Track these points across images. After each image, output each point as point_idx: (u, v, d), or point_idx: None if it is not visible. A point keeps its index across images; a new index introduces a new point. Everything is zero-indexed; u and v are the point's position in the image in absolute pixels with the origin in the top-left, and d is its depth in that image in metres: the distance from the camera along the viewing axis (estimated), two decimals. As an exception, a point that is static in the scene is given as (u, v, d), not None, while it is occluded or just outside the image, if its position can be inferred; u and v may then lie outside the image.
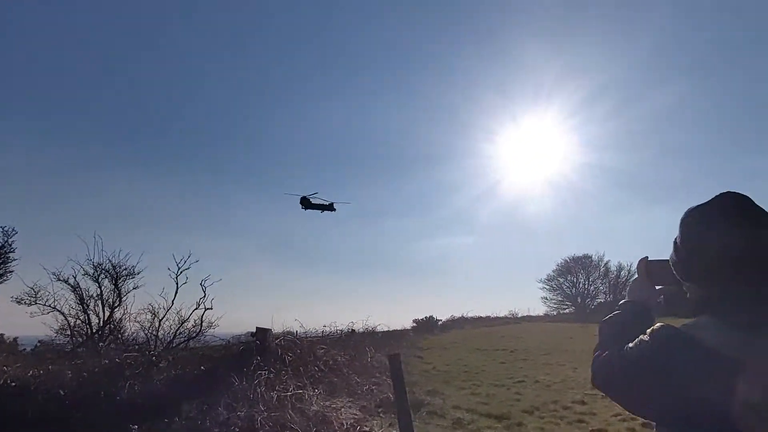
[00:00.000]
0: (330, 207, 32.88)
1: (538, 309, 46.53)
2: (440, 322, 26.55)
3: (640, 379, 1.18)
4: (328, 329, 14.50)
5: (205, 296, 11.92)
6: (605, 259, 49.12)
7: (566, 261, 48.60)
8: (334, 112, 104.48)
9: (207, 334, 11.50)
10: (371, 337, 15.37)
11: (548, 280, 48.85)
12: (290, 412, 6.01)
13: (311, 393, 6.80)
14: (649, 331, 1.22)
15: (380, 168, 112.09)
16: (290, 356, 8.02)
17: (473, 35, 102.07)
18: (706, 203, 1.25)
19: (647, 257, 1.54)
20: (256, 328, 8.59)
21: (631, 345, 1.24)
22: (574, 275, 48.00)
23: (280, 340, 8.65)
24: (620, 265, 48.88)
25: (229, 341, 9.76)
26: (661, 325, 1.21)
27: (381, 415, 7.58)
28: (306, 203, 32.04)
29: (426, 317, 25.14)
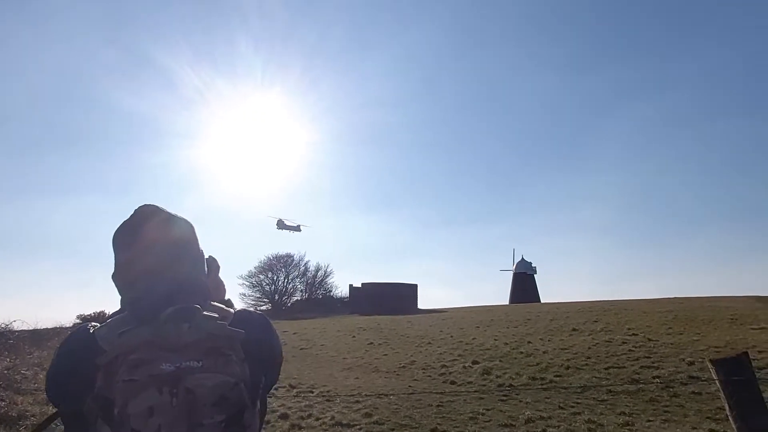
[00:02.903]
0: (297, 228, 47.17)
1: (235, 305, 46.41)
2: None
3: (52, 377, 1.20)
4: None
5: None
6: (306, 259, 52.50)
7: (269, 258, 49.86)
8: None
9: None
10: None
11: (249, 276, 49.08)
12: None
13: None
14: None
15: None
16: None
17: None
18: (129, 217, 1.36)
19: None
20: None
21: None
22: (276, 273, 49.61)
23: None
24: (318, 265, 52.97)
25: None
26: (79, 327, 1.25)
27: None
28: (281, 224, 46.57)
29: (95, 313, 21.64)
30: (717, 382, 3.00)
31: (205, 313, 1.19)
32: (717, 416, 7.06)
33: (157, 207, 1.37)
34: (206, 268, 1.42)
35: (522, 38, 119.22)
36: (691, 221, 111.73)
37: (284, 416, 8.09)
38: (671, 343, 12.27)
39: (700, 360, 10.32)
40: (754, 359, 9.87)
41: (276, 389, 10.20)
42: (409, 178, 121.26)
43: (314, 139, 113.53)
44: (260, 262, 49.90)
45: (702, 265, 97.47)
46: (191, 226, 1.39)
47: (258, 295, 48.94)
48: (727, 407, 2.95)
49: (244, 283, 49.36)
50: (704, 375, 8.84)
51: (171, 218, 1.36)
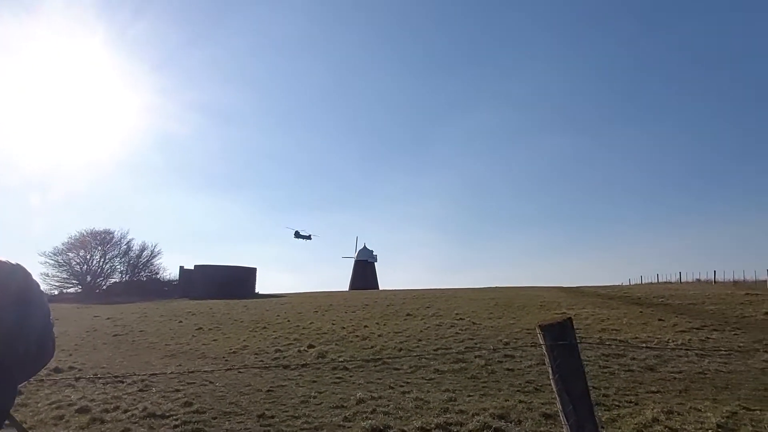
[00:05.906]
0: (308, 237, 63.01)
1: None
2: None
3: None
4: None
5: None
6: (129, 237, 47.38)
7: (83, 234, 43.99)
8: None
9: None
10: None
11: (55, 253, 42.74)
12: None
13: None
14: None
15: None
16: None
17: None
18: None
19: None
20: None
21: None
22: (90, 251, 43.85)
23: None
24: (144, 244, 48.16)
25: None
26: None
27: None
28: (297, 235, 62.04)
29: None
30: (543, 347, 3.03)
31: None
32: (525, 389, 7.78)
33: None
34: None
35: (384, 35, 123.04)
36: (511, 221, 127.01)
37: (84, 410, 6.99)
38: (492, 326, 13.45)
39: (515, 340, 11.47)
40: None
41: (76, 379, 8.78)
42: (253, 160, 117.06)
43: (148, 103, 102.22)
44: (70, 237, 43.85)
45: (519, 259, 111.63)
46: None
47: (65, 276, 42.86)
48: (550, 371, 3.01)
49: (47, 262, 42.77)
50: (517, 353, 9.74)
51: None
